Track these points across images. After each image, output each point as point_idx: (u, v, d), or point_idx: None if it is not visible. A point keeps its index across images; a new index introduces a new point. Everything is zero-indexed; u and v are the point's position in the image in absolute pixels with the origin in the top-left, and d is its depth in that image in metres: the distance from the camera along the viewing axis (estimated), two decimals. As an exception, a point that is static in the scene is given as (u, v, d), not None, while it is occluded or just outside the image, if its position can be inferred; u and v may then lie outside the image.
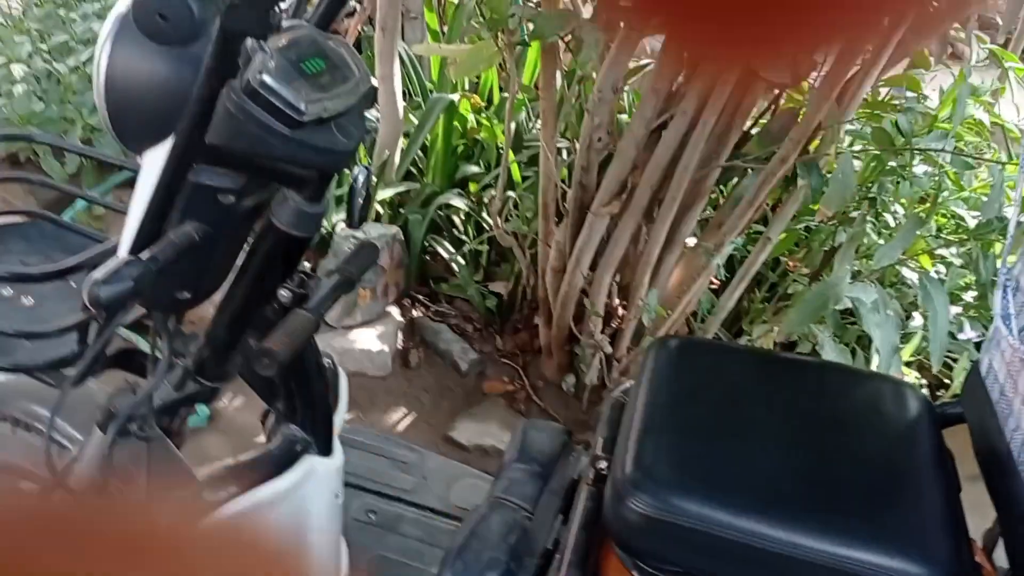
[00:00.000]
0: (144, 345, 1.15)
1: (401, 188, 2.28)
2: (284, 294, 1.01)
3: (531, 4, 1.68)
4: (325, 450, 1.13)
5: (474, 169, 2.35)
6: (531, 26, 1.58)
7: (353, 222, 1.12)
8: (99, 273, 0.84)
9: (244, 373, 1.10)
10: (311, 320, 0.96)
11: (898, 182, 1.66)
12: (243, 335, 1.05)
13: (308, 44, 0.92)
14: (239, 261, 1.04)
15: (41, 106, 2.07)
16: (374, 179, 2.23)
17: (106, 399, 1.02)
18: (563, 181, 1.88)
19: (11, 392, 1.17)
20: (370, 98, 1.00)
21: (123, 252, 0.94)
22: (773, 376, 1.01)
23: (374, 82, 1.01)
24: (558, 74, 1.83)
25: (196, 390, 1.09)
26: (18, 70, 2.04)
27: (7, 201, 2.34)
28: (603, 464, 1.01)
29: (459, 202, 2.20)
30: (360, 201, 1.10)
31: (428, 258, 2.30)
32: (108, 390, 1.11)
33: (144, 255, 0.88)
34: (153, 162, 0.95)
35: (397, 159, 2.30)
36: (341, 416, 1.16)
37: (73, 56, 2.22)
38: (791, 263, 2.04)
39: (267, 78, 0.83)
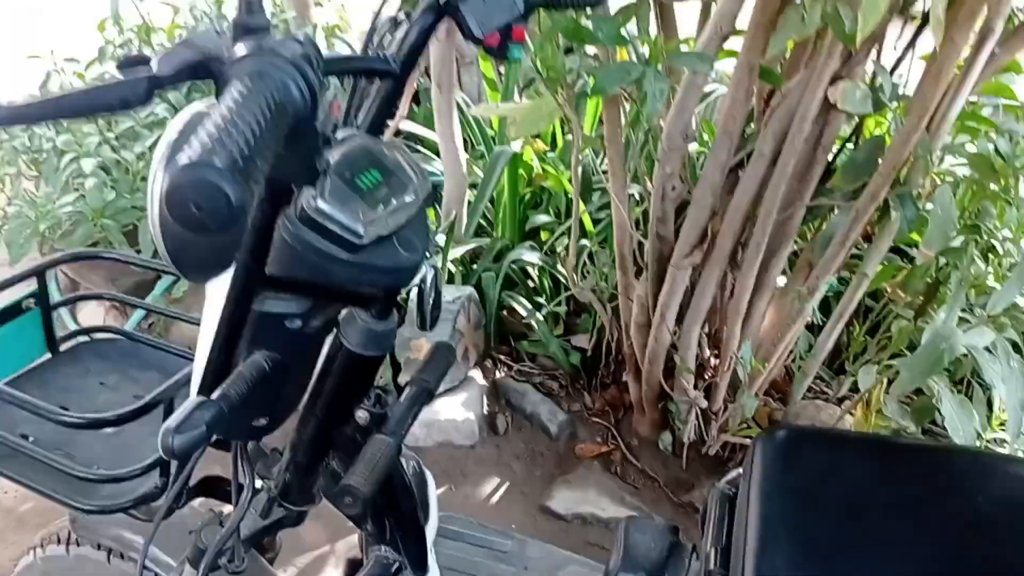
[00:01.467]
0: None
1: (472, 245, 2.23)
2: (361, 415, 0.96)
3: (589, 56, 1.61)
4: (419, 566, 1.07)
5: (544, 218, 2.29)
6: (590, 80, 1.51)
7: (425, 325, 1.06)
8: (172, 421, 0.81)
9: (328, 495, 1.05)
10: (391, 446, 0.90)
11: (1003, 207, 1.54)
12: (324, 458, 1.00)
13: (362, 156, 0.87)
14: (313, 380, 0.99)
15: (112, 195, 2.09)
16: (443, 242, 2.19)
17: (194, 532, 0.99)
18: (637, 228, 1.80)
19: (104, 522, 1.16)
20: (431, 200, 0.95)
21: (194, 390, 0.90)
22: (898, 469, 0.92)
23: (432, 182, 0.95)
24: (622, 121, 1.75)
25: (282, 515, 1.05)
26: (88, 164, 2.06)
27: (84, 286, 2.38)
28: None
29: (532, 256, 2.14)
30: (430, 302, 1.05)
31: (505, 313, 2.24)
32: (199, 511, 1.09)
33: (216, 394, 0.84)
34: (216, 291, 0.92)
35: (465, 216, 2.26)
36: (433, 528, 1.10)
37: (139, 142, 2.24)
38: (890, 288, 1.91)
39: (322, 203, 0.78)
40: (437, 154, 2.31)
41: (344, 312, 0.92)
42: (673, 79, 1.57)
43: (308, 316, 0.90)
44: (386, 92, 0.93)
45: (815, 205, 1.64)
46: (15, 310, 1.17)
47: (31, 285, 1.17)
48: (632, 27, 1.57)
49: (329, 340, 0.98)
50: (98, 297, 1.30)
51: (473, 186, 2.35)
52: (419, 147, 2.53)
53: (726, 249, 1.64)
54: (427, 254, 0.94)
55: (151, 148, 2.19)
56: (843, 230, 1.59)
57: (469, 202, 2.29)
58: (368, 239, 0.80)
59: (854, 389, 1.93)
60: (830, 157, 1.66)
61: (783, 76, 1.59)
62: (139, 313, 2.15)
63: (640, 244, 1.78)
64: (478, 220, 2.28)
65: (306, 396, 1.00)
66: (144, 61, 0.66)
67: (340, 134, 0.90)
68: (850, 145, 1.74)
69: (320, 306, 0.91)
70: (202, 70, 0.66)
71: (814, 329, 1.88)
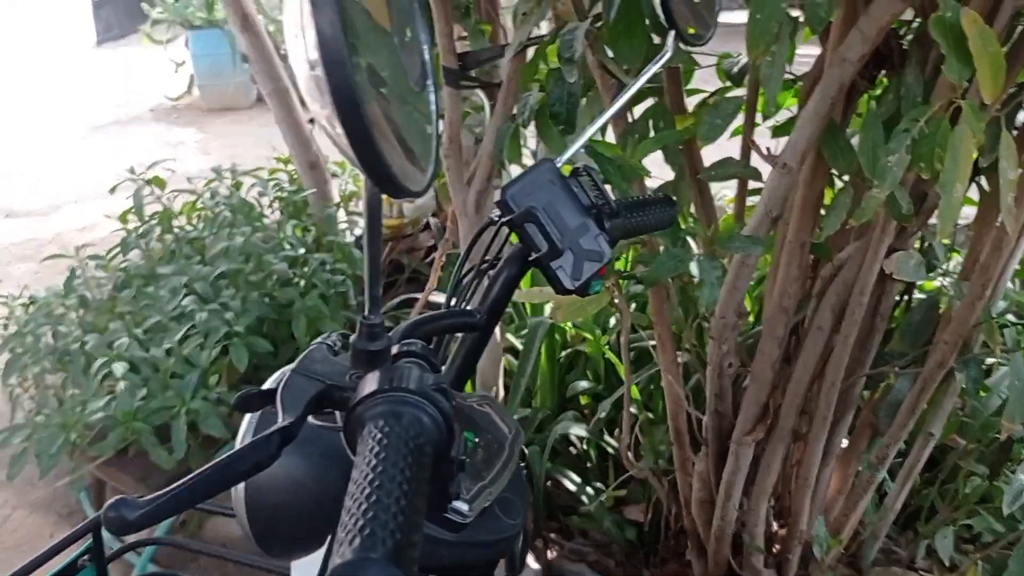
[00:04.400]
0: None
1: (514, 415, 2.17)
2: None
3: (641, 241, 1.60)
4: None
5: (584, 384, 2.24)
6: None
7: (515, 568, 1.00)
8: None
9: None
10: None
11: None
12: None
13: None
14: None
15: (143, 391, 2.04)
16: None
17: None
18: (690, 402, 1.75)
19: None
20: (522, 442, 0.90)
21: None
22: None
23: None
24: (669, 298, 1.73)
25: None
26: (120, 368, 2.02)
27: (111, 485, 2.30)
28: None
29: (579, 429, 2.08)
30: (519, 545, 0.99)
31: (550, 484, 2.16)
32: None
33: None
34: (303, 570, 0.86)
35: (502, 388, 2.21)
36: None
37: (168, 337, 2.21)
38: (955, 439, 1.84)
39: (426, 489, 0.73)
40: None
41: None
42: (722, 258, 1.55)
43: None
44: (471, 344, 0.89)
45: (878, 373, 1.60)
46: (70, 571, 1.11)
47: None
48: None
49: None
50: (155, 543, 1.23)
51: (513, 352, 2.31)
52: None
53: (790, 424, 1.59)
54: (526, 514, 0.89)
55: (180, 342, 2.16)
56: (910, 398, 1.54)
57: (504, 370, 2.25)
58: (472, 516, 0.75)
59: (929, 551, 1.85)
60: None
61: (832, 247, 1.57)
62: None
63: (698, 420, 1.72)
64: (520, 395, 2.22)
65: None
66: (263, 396, 0.62)
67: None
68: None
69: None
70: (327, 401, 0.63)
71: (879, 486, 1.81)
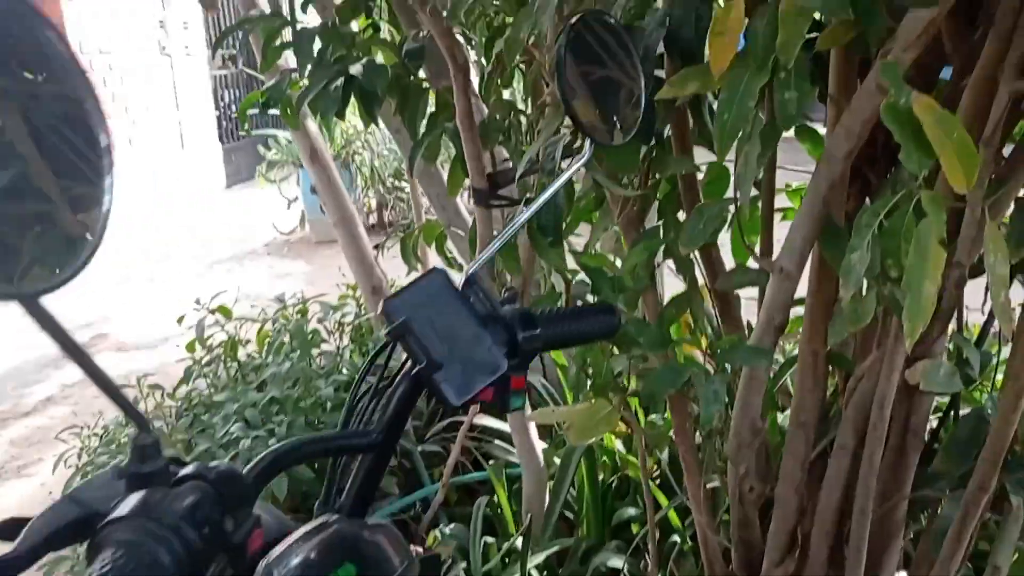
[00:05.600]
0: None
1: (554, 548, 2.06)
2: None
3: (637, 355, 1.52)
4: None
5: (632, 511, 2.11)
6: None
7: None
8: None
9: None
10: None
11: None
12: None
13: (335, 547, 0.77)
14: None
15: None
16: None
17: None
18: (719, 530, 1.62)
19: None
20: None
21: None
22: None
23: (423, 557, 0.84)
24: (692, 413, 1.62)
25: None
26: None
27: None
28: None
29: (617, 561, 1.95)
30: None
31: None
32: None
33: None
34: None
35: (542, 515, 2.11)
36: None
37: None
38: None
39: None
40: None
41: None
42: (734, 373, 1.45)
43: None
44: (369, 466, 0.84)
45: (918, 496, 1.44)
46: None
47: None
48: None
49: None
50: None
51: (552, 475, 2.22)
52: (495, 440, 2.44)
53: (822, 555, 1.44)
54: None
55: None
56: (955, 526, 1.37)
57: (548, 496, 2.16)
58: None
59: None
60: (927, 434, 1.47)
61: (856, 357, 1.45)
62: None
63: (727, 549, 1.58)
64: (556, 519, 2.12)
65: None
66: (21, 523, 0.59)
67: (317, 520, 0.81)
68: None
69: None
70: (84, 529, 0.59)
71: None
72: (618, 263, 1.59)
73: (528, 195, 2.30)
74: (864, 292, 1.17)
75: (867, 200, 1.34)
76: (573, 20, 0.95)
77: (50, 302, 0.50)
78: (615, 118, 1.00)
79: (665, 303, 1.55)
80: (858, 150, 1.18)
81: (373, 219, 8.00)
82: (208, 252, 7.60)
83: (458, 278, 0.84)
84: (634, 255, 1.35)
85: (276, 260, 7.24)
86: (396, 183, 7.62)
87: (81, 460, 2.57)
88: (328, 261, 6.96)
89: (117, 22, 8.82)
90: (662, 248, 1.48)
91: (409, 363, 0.80)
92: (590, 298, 1.43)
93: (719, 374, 1.34)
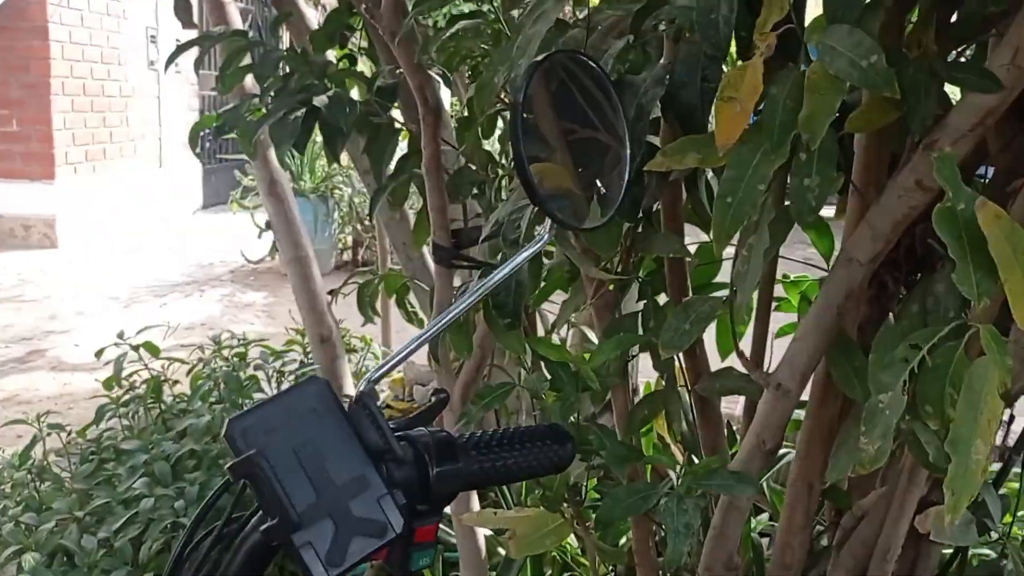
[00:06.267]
0: None
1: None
2: None
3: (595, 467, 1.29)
4: None
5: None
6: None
7: None
8: None
9: None
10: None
11: None
12: None
13: None
14: None
15: (57, 598, 1.77)
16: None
17: None
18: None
19: None
20: None
21: None
22: None
23: None
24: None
25: None
26: (29, 559, 1.77)
27: None
28: None
29: None
30: None
31: None
32: None
33: None
34: None
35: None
36: None
37: (108, 523, 1.96)
38: None
39: None
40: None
41: None
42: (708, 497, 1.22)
43: None
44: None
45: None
46: None
47: None
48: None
49: None
50: None
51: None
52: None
53: None
54: None
55: (117, 532, 1.91)
56: None
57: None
58: None
59: None
60: None
61: (853, 490, 1.24)
62: None
63: None
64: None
65: None
66: None
67: None
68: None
69: None
70: None
71: None
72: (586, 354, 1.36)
73: (496, 259, 2.09)
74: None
75: (888, 314, 1.13)
76: (540, 57, 0.73)
77: None
78: (590, 191, 0.78)
79: (636, 401, 1.33)
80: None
81: (348, 256, 7.77)
82: (169, 275, 7.31)
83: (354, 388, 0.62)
84: (605, 349, 1.13)
85: (238, 289, 6.96)
86: (374, 222, 7.41)
87: None
88: (293, 296, 6.70)
89: (105, 31, 8.62)
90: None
91: (260, 513, 0.57)
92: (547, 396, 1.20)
93: (692, 497, 1.11)
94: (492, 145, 2.23)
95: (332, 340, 2.81)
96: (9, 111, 7.81)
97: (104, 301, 6.34)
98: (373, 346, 3.18)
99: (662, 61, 1.09)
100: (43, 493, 2.08)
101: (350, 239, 7.72)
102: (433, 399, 0.75)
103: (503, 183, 2.20)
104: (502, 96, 1.49)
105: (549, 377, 1.16)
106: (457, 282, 1.86)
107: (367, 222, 7.50)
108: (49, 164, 7.88)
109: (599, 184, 0.80)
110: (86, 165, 8.40)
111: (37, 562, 1.76)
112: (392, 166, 1.89)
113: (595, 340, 1.98)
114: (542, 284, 1.44)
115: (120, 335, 2.49)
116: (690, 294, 1.34)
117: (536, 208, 1.22)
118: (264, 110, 1.85)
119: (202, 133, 2.16)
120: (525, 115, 0.69)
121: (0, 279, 6.90)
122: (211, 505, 0.61)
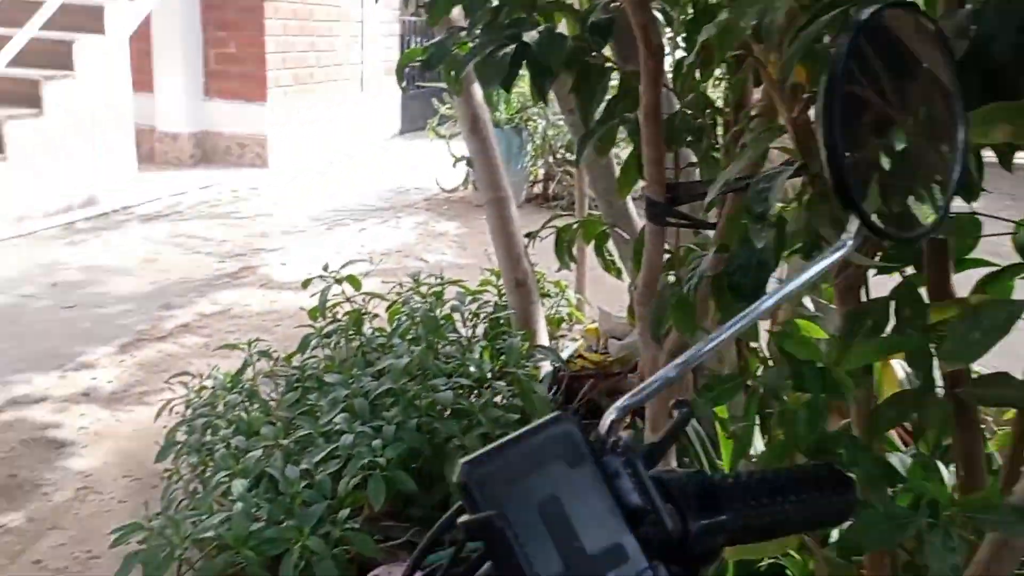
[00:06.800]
0: None
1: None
2: None
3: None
4: None
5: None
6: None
7: None
8: None
9: None
10: None
11: None
12: None
13: None
14: None
15: (258, 525, 1.82)
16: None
17: None
18: None
19: None
20: None
21: None
22: None
23: None
24: None
25: None
26: (238, 486, 1.83)
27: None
28: None
29: None
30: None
31: None
32: None
33: None
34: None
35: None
36: None
37: (310, 453, 2.00)
38: None
39: None
40: None
41: None
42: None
43: None
44: None
45: None
46: None
47: None
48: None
49: None
50: None
51: None
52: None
53: None
54: None
55: (318, 465, 1.94)
56: None
57: None
58: None
59: None
60: None
61: None
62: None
63: None
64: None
65: None
66: None
67: None
68: None
69: None
70: None
71: None
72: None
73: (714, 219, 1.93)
74: None
75: None
76: (867, 13, 0.56)
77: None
78: (913, 188, 0.62)
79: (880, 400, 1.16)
80: None
81: (538, 189, 7.71)
82: (369, 198, 7.54)
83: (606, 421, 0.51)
84: (859, 354, 0.97)
85: (432, 217, 7.08)
86: (567, 156, 7.29)
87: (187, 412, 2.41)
88: (485, 226, 6.75)
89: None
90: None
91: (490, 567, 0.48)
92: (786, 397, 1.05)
93: (961, 532, 0.94)
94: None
95: (528, 285, 2.76)
96: (227, 33, 8.21)
97: (308, 222, 6.63)
98: (568, 292, 3.10)
99: (967, 6, 0.89)
100: (251, 417, 2.16)
101: (541, 172, 7.65)
102: (675, 414, 0.63)
103: (721, 132, 2.02)
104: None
105: (790, 375, 1.02)
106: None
107: (559, 155, 7.40)
108: (262, 86, 8.25)
109: (923, 179, 0.64)
110: (295, 88, 8.74)
111: (245, 488, 1.83)
112: (600, 108, 1.77)
113: (812, 308, 1.80)
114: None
115: (325, 267, 2.54)
116: (950, 284, 1.14)
117: (785, 174, 1.07)
118: (471, 45, 1.76)
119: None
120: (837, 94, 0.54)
121: (218, 195, 7.35)
122: (437, 538, 0.53)
